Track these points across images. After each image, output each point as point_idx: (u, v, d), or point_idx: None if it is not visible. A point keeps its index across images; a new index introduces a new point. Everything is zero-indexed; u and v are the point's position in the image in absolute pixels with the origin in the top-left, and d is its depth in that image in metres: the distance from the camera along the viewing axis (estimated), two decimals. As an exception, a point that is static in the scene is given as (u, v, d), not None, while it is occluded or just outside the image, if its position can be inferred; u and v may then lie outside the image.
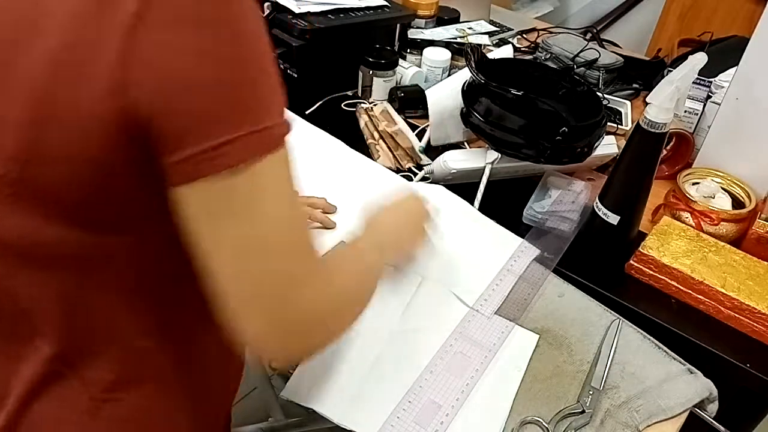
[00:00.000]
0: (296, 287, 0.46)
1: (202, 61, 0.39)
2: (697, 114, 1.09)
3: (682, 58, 0.96)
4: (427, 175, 1.00)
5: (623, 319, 0.78)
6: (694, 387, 0.70)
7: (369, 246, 0.64)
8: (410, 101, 1.17)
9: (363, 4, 1.20)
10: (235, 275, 0.45)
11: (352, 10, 1.18)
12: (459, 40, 1.33)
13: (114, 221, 0.47)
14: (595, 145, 0.90)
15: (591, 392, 0.69)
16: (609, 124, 1.05)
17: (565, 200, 0.94)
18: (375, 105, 1.17)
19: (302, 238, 0.47)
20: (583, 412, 0.67)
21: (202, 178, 0.41)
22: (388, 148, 1.07)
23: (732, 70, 0.96)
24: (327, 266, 0.52)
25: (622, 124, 1.19)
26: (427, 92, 1.02)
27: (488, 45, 1.35)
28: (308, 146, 1.05)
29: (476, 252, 0.86)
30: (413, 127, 1.14)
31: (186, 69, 0.39)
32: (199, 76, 0.39)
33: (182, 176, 0.41)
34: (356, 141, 1.07)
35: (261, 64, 0.43)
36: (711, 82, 1.08)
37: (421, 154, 1.06)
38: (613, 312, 0.79)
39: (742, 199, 0.95)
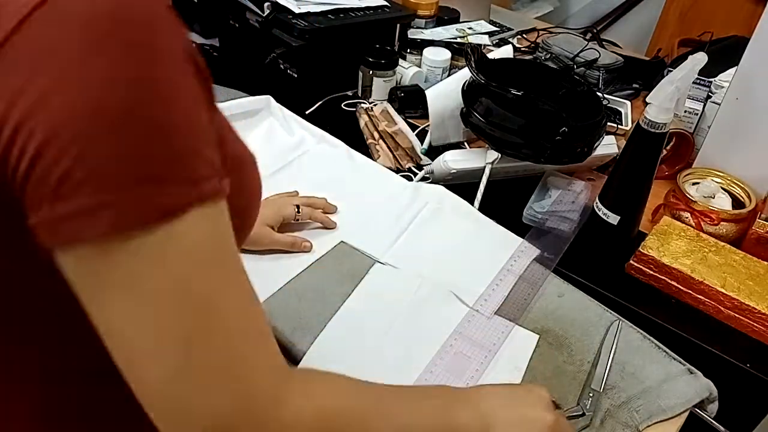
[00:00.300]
0: (193, 393, 0.37)
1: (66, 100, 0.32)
2: (697, 114, 1.09)
3: (682, 58, 0.96)
4: (427, 175, 1.00)
5: (623, 319, 0.78)
6: (694, 387, 0.70)
7: (468, 410, 0.51)
8: (410, 101, 1.17)
9: (363, 4, 1.21)
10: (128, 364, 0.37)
11: (352, 10, 1.18)
12: (459, 40, 1.33)
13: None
14: (595, 145, 0.90)
15: (591, 394, 0.69)
16: (609, 124, 1.05)
17: (565, 200, 0.94)
18: (375, 105, 1.17)
19: (210, 327, 0.37)
20: (583, 414, 0.67)
21: (77, 242, 0.34)
22: (388, 148, 1.07)
23: (732, 70, 0.96)
24: (297, 379, 0.42)
25: (622, 124, 1.19)
26: (426, 92, 1.02)
27: (488, 45, 1.36)
28: (308, 146, 1.05)
29: (476, 252, 0.86)
30: (413, 127, 1.14)
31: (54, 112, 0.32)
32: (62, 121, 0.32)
33: (52, 238, 0.34)
34: (356, 141, 1.08)
35: (167, 115, 0.35)
36: (711, 82, 1.08)
37: (422, 155, 1.06)
38: (613, 312, 0.79)
39: (742, 199, 0.95)
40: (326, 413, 0.43)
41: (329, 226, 0.88)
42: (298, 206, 0.85)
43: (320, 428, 0.42)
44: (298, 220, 0.85)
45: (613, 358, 0.73)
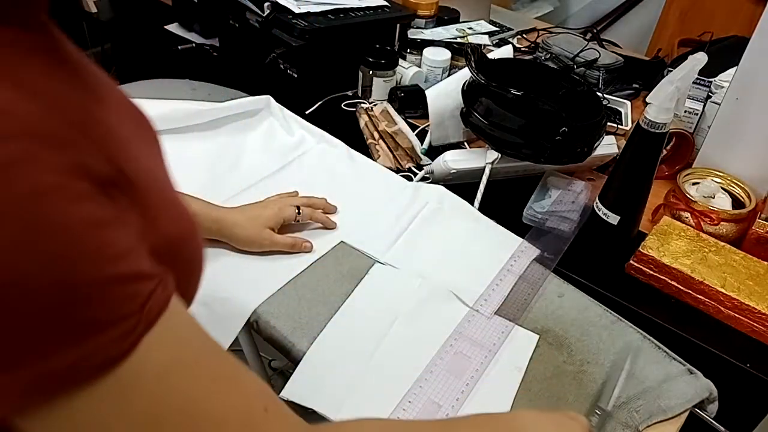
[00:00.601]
0: None
1: None
2: (697, 114, 1.09)
3: (682, 58, 0.96)
4: (427, 175, 1.00)
5: (623, 319, 0.78)
6: (694, 387, 0.70)
7: None
8: (410, 101, 1.17)
9: (363, 4, 1.21)
10: None
11: (352, 10, 1.18)
12: (459, 40, 1.33)
13: None
14: (595, 145, 0.90)
15: (599, 412, 0.66)
16: (609, 124, 1.05)
17: (565, 200, 0.94)
18: (375, 105, 1.17)
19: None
20: None
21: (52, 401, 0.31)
22: (388, 148, 1.07)
23: (732, 70, 0.96)
24: None
25: (622, 124, 1.19)
26: (426, 92, 1.02)
27: (488, 45, 1.36)
28: (308, 147, 1.05)
29: (476, 252, 0.86)
30: (413, 127, 1.14)
31: None
32: None
33: (22, 402, 0.31)
34: (356, 141, 1.08)
35: (73, 273, 0.30)
36: (711, 82, 1.08)
37: (422, 155, 1.06)
38: (613, 312, 0.79)
39: (742, 199, 0.95)
40: None
41: (329, 227, 0.88)
42: (298, 207, 0.85)
43: None
44: (298, 221, 0.85)
45: (626, 377, 0.70)
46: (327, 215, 0.89)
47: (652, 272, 0.85)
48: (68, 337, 0.30)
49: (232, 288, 0.76)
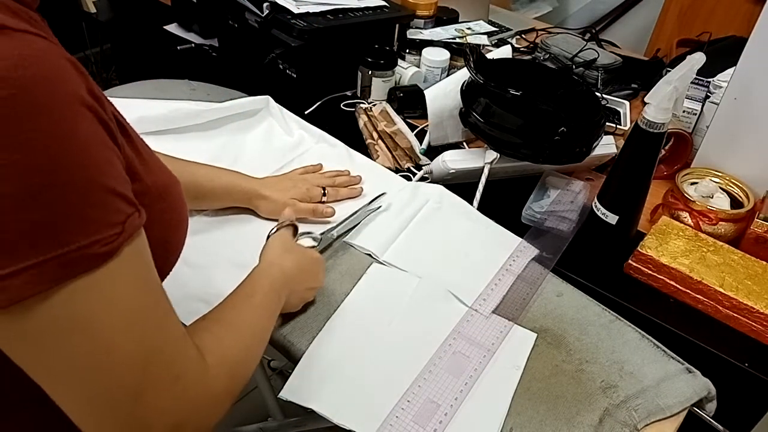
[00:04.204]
0: (146, 403, 0.43)
1: None
2: (695, 114, 1.09)
3: (681, 58, 0.96)
4: (426, 175, 1.00)
5: (622, 318, 0.78)
6: (692, 386, 0.70)
7: (269, 285, 0.64)
8: (409, 101, 1.17)
9: (362, 5, 1.21)
10: (64, 404, 0.42)
11: (351, 10, 1.18)
12: (458, 40, 1.33)
13: None
14: (594, 145, 0.91)
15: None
16: (608, 124, 1.05)
17: (564, 200, 0.94)
18: (374, 105, 1.17)
19: (136, 355, 0.42)
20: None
21: (37, 294, 0.37)
22: (387, 148, 1.07)
23: (730, 70, 0.96)
24: (199, 353, 0.49)
25: (620, 124, 1.19)
26: (425, 92, 1.02)
27: (487, 45, 1.36)
28: (307, 146, 1.05)
29: (475, 251, 0.86)
30: (412, 128, 1.14)
31: None
32: None
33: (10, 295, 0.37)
34: (355, 141, 1.08)
35: (47, 180, 0.36)
36: (709, 82, 1.08)
37: (421, 155, 1.06)
38: (611, 311, 0.79)
39: (741, 199, 0.95)
40: (227, 361, 0.52)
41: (356, 195, 0.94)
42: (324, 189, 0.91)
43: (228, 368, 0.52)
44: (324, 202, 0.90)
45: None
46: (352, 186, 0.95)
47: (650, 272, 0.85)
48: (78, 228, 0.37)
49: (232, 288, 0.76)
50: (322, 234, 0.85)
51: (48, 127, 0.35)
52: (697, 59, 0.79)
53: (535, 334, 0.75)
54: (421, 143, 1.08)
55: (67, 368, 0.40)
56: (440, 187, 0.95)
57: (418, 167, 1.03)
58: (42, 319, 0.38)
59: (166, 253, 0.52)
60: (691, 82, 1.02)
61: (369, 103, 1.18)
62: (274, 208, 0.87)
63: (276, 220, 0.79)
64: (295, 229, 0.78)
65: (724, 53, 1.14)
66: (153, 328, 0.44)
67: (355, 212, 0.89)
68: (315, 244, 0.83)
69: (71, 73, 0.38)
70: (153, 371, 0.43)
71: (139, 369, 0.42)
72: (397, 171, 1.02)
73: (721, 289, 0.80)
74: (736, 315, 0.79)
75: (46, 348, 0.39)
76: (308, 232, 0.85)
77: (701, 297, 0.82)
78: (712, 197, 0.94)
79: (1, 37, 0.34)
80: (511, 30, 1.57)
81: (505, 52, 1.10)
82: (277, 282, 0.66)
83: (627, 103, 1.26)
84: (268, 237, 0.75)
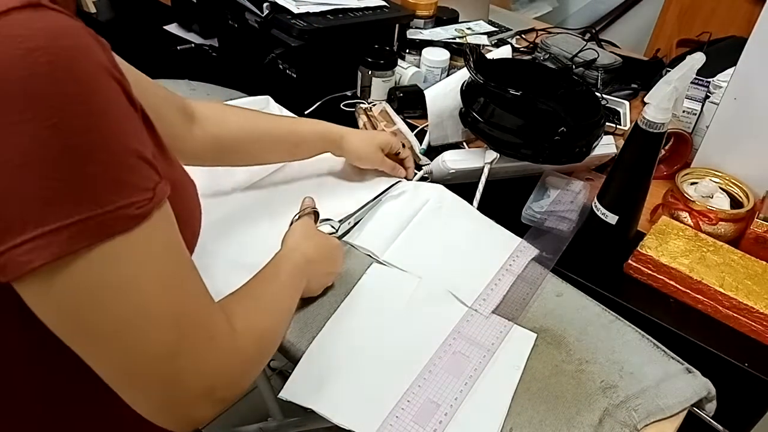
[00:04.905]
0: (180, 363, 0.45)
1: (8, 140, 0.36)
2: (695, 114, 1.09)
3: (681, 58, 0.96)
4: (426, 175, 1.00)
5: (622, 318, 0.78)
6: (692, 386, 0.70)
7: (291, 269, 0.67)
8: (409, 101, 1.17)
9: (362, 5, 1.21)
10: (103, 365, 0.44)
11: (351, 10, 1.18)
12: (458, 40, 1.33)
13: None
14: (594, 145, 0.91)
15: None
16: (607, 124, 1.05)
17: (564, 200, 0.94)
18: (374, 105, 1.17)
19: (171, 315, 0.44)
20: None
21: (21, 276, 0.39)
22: (387, 148, 1.07)
23: (730, 70, 0.96)
24: (229, 320, 0.51)
25: (620, 124, 1.19)
26: (425, 92, 1.02)
27: (487, 45, 1.36)
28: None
29: (475, 251, 0.86)
30: (412, 128, 1.14)
31: None
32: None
33: (7, 273, 0.39)
34: (355, 141, 1.07)
35: (85, 142, 0.38)
36: (709, 82, 1.08)
37: (421, 155, 1.06)
38: (611, 311, 0.79)
39: (741, 199, 0.95)
40: (255, 329, 0.54)
41: (409, 167, 1.00)
42: (403, 144, 0.99)
43: (255, 339, 0.54)
44: (398, 153, 0.98)
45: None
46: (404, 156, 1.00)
47: (650, 272, 0.85)
48: (115, 190, 0.40)
49: (233, 287, 0.76)
50: (340, 221, 0.86)
51: (84, 93, 0.38)
52: (697, 59, 0.79)
53: (535, 334, 0.75)
54: (420, 143, 1.08)
55: (105, 329, 0.42)
56: (440, 187, 0.95)
57: (418, 167, 1.03)
58: (82, 277, 0.40)
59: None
60: (691, 82, 1.02)
61: (369, 103, 1.18)
62: (364, 154, 0.94)
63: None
64: (316, 215, 0.80)
65: (724, 53, 1.14)
66: (185, 291, 0.46)
67: (368, 202, 0.91)
68: (334, 230, 0.85)
69: (99, 49, 0.40)
70: (188, 332, 0.45)
71: (175, 329, 0.44)
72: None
73: (720, 289, 0.80)
74: (735, 315, 0.79)
75: (85, 308, 0.41)
76: (327, 219, 0.86)
77: (701, 297, 0.82)
78: (712, 197, 0.94)
79: (38, 12, 0.37)
80: (511, 30, 1.57)
81: (505, 52, 1.10)
82: (299, 266, 0.68)
83: (627, 103, 1.26)
84: (291, 223, 0.77)
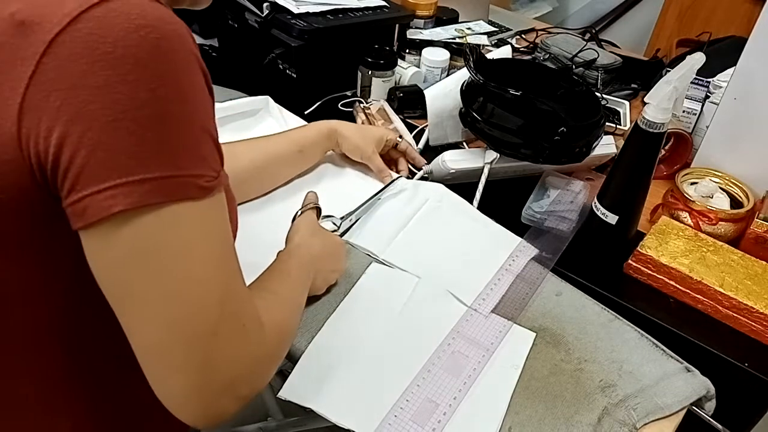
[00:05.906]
0: (217, 344, 0.46)
1: (98, 99, 0.40)
2: (695, 114, 1.09)
3: (681, 58, 0.96)
4: (426, 175, 1.00)
5: (621, 318, 0.78)
6: (691, 385, 0.70)
7: (298, 266, 0.67)
8: (409, 101, 1.17)
9: (362, 5, 1.21)
10: (143, 333, 0.45)
11: (351, 10, 1.18)
12: (458, 40, 1.33)
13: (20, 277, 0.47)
14: (594, 145, 0.91)
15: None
16: (607, 124, 1.05)
17: (564, 200, 0.94)
18: (372, 104, 1.17)
19: (217, 293, 0.46)
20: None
21: (97, 221, 0.41)
22: (387, 147, 1.07)
23: (730, 70, 0.96)
24: (259, 308, 0.52)
25: (620, 124, 1.19)
26: (425, 92, 1.03)
27: (487, 45, 1.36)
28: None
29: (474, 251, 0.86)
30: (412, 128, 1.14)
31: (82, 106, 0.40)
32: (96, 116, 0.40)
33: (78, 219, 0.42)
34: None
35: (175, 110, 0.43)
36: (709, 82, 1.08)
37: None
38: (610, 310, 0.79)
39: (741, 199, 0.95)
40: (276, 323, 0.56)
41: (418, 158, 1.02)
42: (400, 136, 1.01)
43: (276, 333, 0.56)
44: (396, 146, 1.00)
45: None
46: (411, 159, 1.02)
47: (650, 272, 0.85)
48: (192, 159, 0.44)
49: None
50: (341, 218, 0.86)
51: (181, 70, 0.43)
52: (697, 59, 0.79)
53: (534, 334, 0.75)
54: (417, 143, 1.08)
55: (155, 293, 0.44)
56: (441, 187, 0.95)
57: (418, 167, 1.03)
58: (148, 232, 0.42)
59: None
60: (691, 82, 1.02)
61: (367, 102, 1.18)
62: (356, 145, 0.96)
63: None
64: (319, 211, 0.80)
65: (724, 53, 1.14)
66: (232, 274, 0.48)
67: (369, 199, 0.91)
68: (335, 227, 0.85)
69: (193, 41, 0.45)
70: (227, 315, 0.46)
71: (218, 308, 0.46)
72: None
73: (720, 289, 0.80)
74: (735, 315, 0.79)
75: (142, 266, 0.43)
76: (329, 216, 0.86)
77: (701, 297, 0.82)
78: (711, 197, 0.94)
79: (150, 2, 0.42)
80: (511, 30, 1.57)
81: (505, 52, 1.10)
82: (305, 263, 0.69)
83: (627, 103, 1.26)
84: (294, 219, 0.77)
